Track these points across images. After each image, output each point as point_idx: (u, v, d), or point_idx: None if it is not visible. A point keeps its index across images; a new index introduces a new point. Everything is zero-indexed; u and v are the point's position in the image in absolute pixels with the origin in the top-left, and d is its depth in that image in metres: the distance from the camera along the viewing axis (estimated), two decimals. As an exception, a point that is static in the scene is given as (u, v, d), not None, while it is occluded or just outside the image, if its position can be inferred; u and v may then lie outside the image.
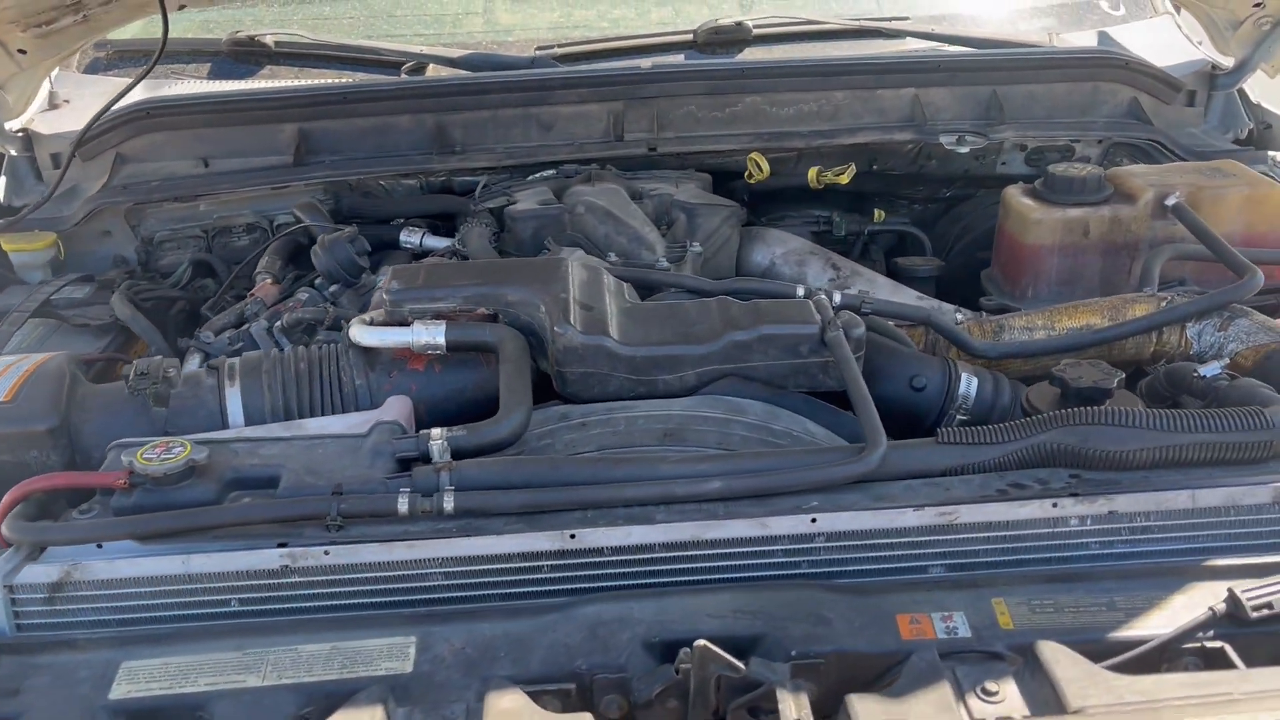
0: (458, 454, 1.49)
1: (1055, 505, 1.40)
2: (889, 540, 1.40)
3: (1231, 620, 1.28)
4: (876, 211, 2.52)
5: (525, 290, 1.70)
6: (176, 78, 2.86)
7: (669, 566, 1.40)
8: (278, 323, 1.90)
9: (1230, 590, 1.29)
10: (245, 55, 2.83)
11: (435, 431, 1.49)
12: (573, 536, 1.37)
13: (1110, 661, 1.25)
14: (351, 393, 1.70)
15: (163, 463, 1.43)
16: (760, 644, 1.29)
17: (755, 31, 2.81)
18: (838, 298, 1.78)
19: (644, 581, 1.39)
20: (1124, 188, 2.13)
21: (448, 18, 2.93)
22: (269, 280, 2.08)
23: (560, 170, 2.41)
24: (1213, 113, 2.79)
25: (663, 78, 2.51)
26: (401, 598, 1.39)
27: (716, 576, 1.40)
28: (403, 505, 1.39)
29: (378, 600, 1.39)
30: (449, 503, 1.39)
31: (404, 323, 1.70)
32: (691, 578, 1.40)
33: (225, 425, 1.65)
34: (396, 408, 1.62)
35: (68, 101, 2.80)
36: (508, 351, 1.64)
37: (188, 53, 2.90)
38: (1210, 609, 1.29)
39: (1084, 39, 2.90)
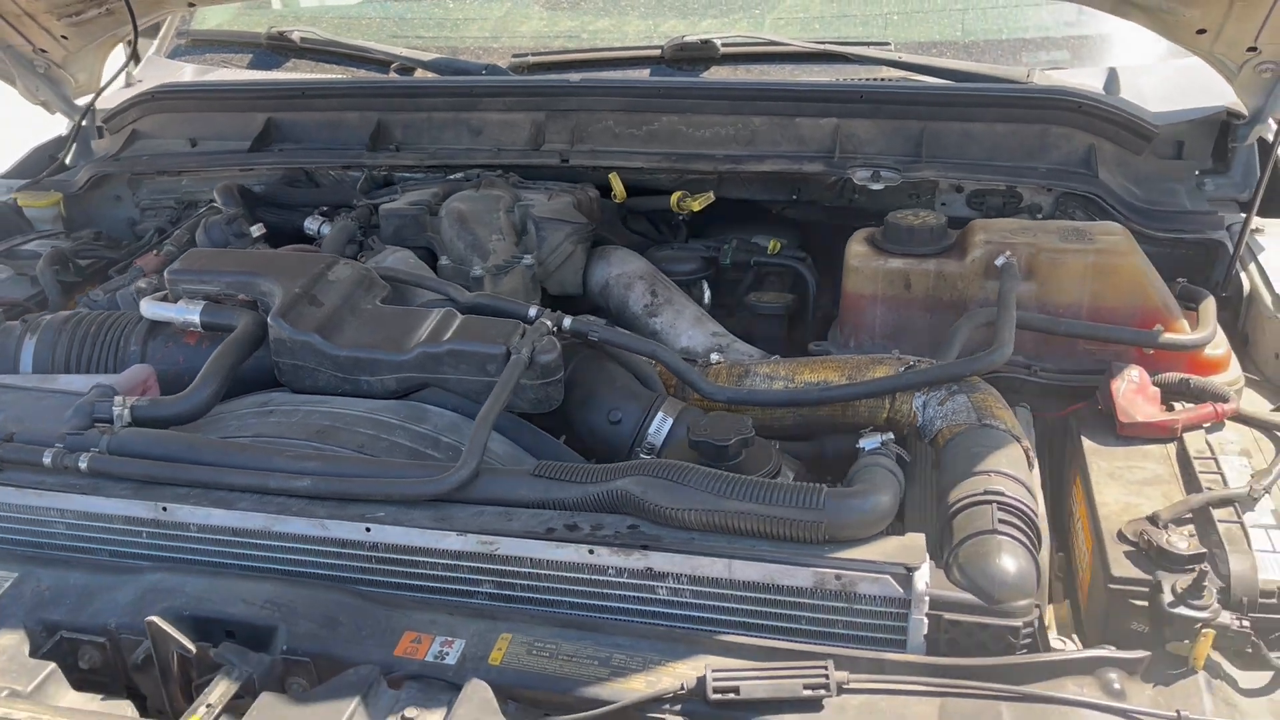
0: (141, 421, 1.67)
1: (591, 552, 1.38)
2: (432, 560, 1.44)
3: (695, 697, 1.24)
4: (773, 242, 2.45)
5: (273, 282, 1.85)
6: (225, 65, 3.21)
7: (247, 550, 1.51)
8: (130, 288, 2.15)
9: (706, 667, 1.25)
10: (278, 49, 3.14)
11: (119, 399, 1.67)
12: (165, 509, 1.52)
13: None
14: (125, 357, 1.91)
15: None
16: (274, 635, 1.38)
17: (723, 50, 2.78)
18: (568, 323, 1.80)
19: (222, 560, 1.52)
20: (964, 242, 1.98)
21: (450, 22, 3.10)
22: (154, 251, 2.35)
23: (467, 174, 2.52)
24: (1235, 166, 2.48)
25: (582, 92, 2.55)
26: (36, 539, 1.59)
27: (281, 566, 1.50)
28: (47, 458, 1.58)
29: (17, 539, 1.59)
30: (83, 463, 1.57)
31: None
32: (262, 565, 1.50)
33: (16, 371, 1.92)
34: (130, 375, 1.81)
35: (140, 81, 3.22)
36: (233, 334, 1.80)
37: (238, 44, 3.25)
38: (682, 684, 1.25)
39: (1089, 77, 2.65)
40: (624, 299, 2.19)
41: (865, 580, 1.30)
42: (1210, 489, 1.59)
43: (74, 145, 2.89)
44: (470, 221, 2.24)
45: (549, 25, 3.19)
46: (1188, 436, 1.72)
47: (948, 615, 1.28)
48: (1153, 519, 1.52)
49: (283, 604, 1.41)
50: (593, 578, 1.39)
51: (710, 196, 2.39)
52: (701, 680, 1.24)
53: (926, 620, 1.28)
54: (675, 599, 1.38)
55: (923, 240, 1.97)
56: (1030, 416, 1.79)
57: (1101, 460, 1.71)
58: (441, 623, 1.39)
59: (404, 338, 1.77)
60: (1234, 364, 1.92)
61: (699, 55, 2.79)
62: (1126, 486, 1.64)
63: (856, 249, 2.02)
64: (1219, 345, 1.90)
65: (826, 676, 1.23)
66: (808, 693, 1.22)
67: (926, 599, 1.28)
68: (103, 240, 2.66)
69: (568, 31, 3.00)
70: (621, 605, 1.40)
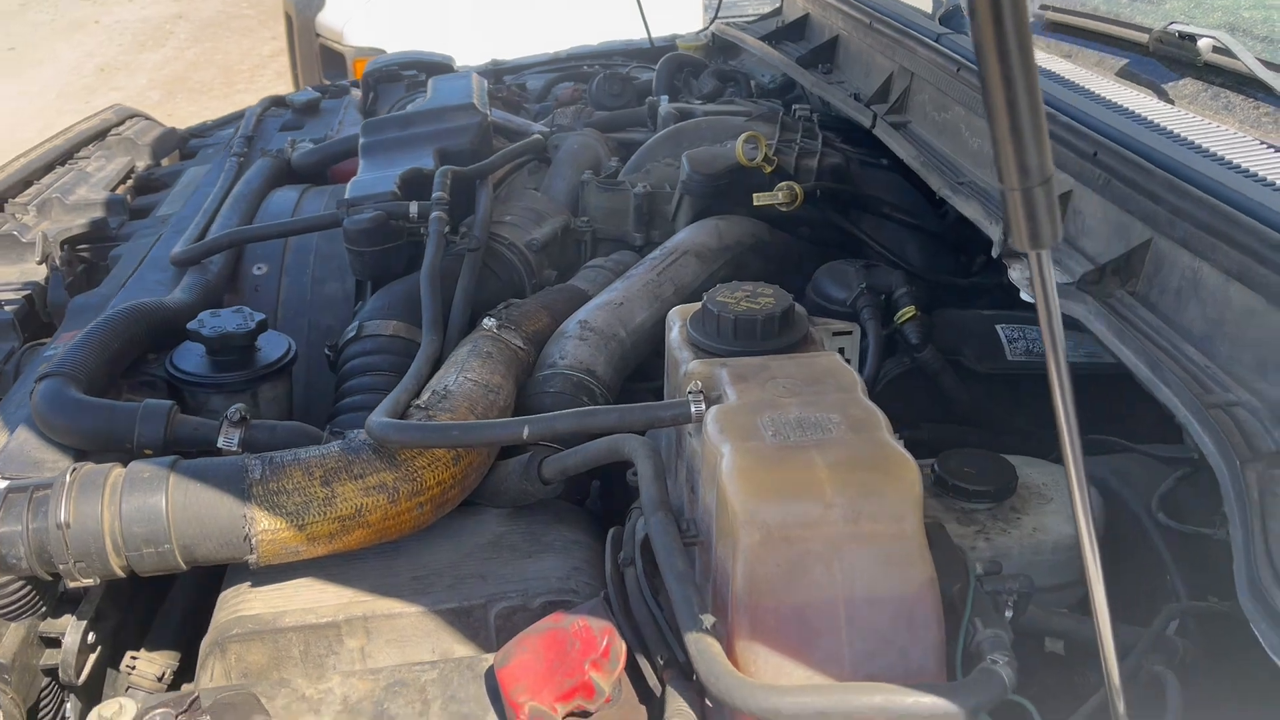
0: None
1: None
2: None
3: None
4: (909, 310, 1.66)
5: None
6: None
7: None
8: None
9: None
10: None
11: None
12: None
13: None
14: None
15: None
16: None
17: (1204, 57, 1.78)
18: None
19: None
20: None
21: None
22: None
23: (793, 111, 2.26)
24: None
25: (919, 44, 1.97)
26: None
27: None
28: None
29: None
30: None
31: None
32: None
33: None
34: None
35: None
36: None
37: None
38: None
39: None
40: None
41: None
42: None
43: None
44: (673, 137, 2.17)
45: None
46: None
47: None
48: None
49: None
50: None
51: (792, 193, 1.79)
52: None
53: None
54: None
55: (712, 332, 1.31)
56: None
57: None
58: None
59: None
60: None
61: (1177, 55, 1.85)
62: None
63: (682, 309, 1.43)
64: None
65: None
66: None
67: None
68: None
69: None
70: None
